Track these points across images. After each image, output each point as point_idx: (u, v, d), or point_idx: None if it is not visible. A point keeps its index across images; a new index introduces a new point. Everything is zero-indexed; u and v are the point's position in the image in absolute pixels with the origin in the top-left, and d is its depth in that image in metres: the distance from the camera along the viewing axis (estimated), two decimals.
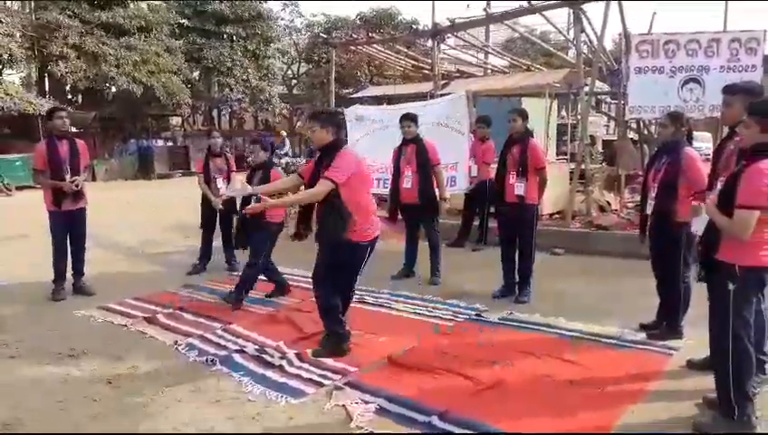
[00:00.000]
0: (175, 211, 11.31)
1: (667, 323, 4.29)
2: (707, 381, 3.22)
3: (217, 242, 6.79)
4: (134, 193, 16.02)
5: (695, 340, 4.00)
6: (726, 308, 2.89)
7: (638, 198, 6.91)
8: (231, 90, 23.08)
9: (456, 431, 3.00)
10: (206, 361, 4.04)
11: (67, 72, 18.33)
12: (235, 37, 23.90)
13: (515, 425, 3.06)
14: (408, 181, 6.02)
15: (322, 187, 3.79)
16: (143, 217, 11.11)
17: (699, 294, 3.64)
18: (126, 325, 4.85)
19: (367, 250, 4.01)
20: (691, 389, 3.43)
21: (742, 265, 2.84)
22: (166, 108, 22.11)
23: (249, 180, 5.28)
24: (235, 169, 6.79)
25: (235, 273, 6.54)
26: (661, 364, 3.84)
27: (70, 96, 22.45)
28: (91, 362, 4.06)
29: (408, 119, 6.05)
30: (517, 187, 5.28)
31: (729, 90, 3.39)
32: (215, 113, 26.97)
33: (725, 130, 3.56)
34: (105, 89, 19.91)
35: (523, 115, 5.40)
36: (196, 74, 24.03)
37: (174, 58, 21.14)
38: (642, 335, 4.31)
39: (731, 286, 2.86)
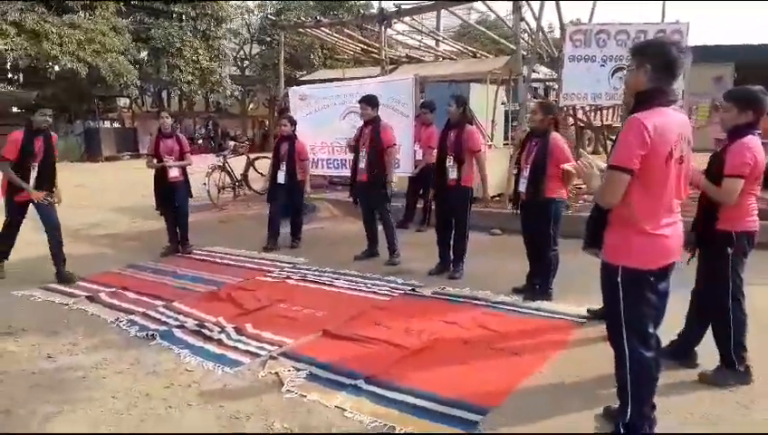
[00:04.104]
0: (123, 194, 11.17)
1: (540, 286, 4.91)
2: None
3: (160, 223, 6.83)
4: (80, 176, 15.64)
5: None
6: (726, 271, 3.26)
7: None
8: (181, 71, 22.60)
9: (380, 392, 3.25)
10: (147, 335, 4.17)
11: (6, 50, 17.67)
12: (184, 17, 23.38)
13: (432, 385, 3.31)
14: (363, 161, 6.23)
15: None
16: (90, 200, 10.95)
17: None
18: (67, 304, 4.91)
19: None
20: (599, 350, 3.76)
21: (737, 230, 3.24)
22: (113, 89, 21.56)
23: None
24: (188, 149, 6.84)
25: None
26: (572, 330, 4.19)
27: (10, 75, 21.64)
28: (30, 338, 4.15)
29: (364, 102, 6.22)
30: (450, 170, 5.52)
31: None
32: (164, 95, 26.37)
33: None
34: (48, 68, 19.28)
35: (459, 101, 5.60)
36: (144, 55, 23.41)
37: (120, 37, 20.57)
38: (556, 305, 4.67)
39: (729, 251, 3.24)
